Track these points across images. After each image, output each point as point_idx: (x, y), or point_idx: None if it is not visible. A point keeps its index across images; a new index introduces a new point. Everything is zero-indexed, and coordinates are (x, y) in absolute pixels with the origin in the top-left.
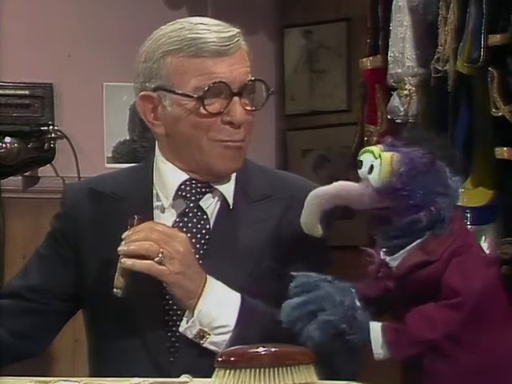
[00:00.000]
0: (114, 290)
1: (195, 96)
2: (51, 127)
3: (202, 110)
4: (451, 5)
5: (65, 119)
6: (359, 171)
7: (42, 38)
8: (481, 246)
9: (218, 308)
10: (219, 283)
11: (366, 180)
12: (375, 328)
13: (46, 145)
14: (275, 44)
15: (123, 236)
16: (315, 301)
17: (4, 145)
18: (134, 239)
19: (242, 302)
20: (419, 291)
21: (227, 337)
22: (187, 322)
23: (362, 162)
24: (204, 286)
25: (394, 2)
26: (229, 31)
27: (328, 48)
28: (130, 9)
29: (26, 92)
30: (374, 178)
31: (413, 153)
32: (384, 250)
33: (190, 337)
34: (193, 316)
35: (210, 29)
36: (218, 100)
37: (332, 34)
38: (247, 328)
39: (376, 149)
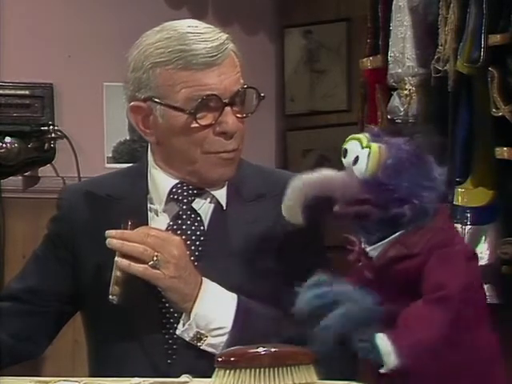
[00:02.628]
0: (110, 296)
1: (187, 110)
2: (51, 127)
3: (194, 124)
4: (451, 5)
5: (65, 119)
6: (344, 160)
7: (42, 38)
8: (463, 241)
9: (214, 310)
10: (215, 285)
11: (351, 170)
12: (381, 338)
13: (46, 145)
14: (275, 44)
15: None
16: (336, 295)
17: (4, 145)
18: (127, 238)
19: (238, 303)
20: (398, 283)
21: (224, 338)
22: (184, 325)
23: (347, 150)
24: (200, 288)
25: (394, 2)
26: (217, 39)
27: (328, 48)
28: (131, 9)
29: (26, 92)
30: (360, 170)
31: (399, 144)
32: (364, 239)
33: (187, 339)
34: (189, 319)
35: (198, 38)
36: (209, 112)
37: (332, 34)
38: (244, 329)
39: (363, 137)
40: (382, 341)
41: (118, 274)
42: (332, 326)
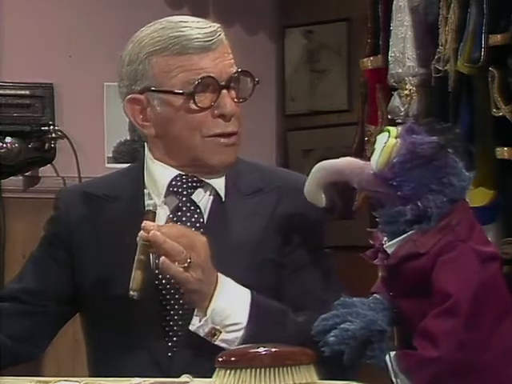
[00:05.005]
0: (131, 292)
1: (185, 92)
2: (52, 127)
3: (193, 106)
4: (452, 5)
5: (65, 119)
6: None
7: (43, 38)
8: (480, 240)
9: (230, 306)
10: (229, 280)
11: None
12: (391, 357)
13: (47, 145)
14: (275, 44)
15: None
16: (342, 315)
17: (5, 145)
18: (165, 233)
19: (252, 299)
20: (408, 283)
21: (239, 334)
22: (200, 321)
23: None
24: (216, 285)
25: (394, 2)
26: (210, 26)
27: (328, 48)
28: (131, 9)
29: (27, 92)
30: (373, 162)
31: (419, 143)
32: (384, 233)
33: (201, 335)
34: (205, 315)
35: (191, 25)
36: (206, 94)
37: (332, 34)
38: (259, 324)
39: (393, 130)
40: (389, 361)
41: (140, 271)
42: (329, 342)
